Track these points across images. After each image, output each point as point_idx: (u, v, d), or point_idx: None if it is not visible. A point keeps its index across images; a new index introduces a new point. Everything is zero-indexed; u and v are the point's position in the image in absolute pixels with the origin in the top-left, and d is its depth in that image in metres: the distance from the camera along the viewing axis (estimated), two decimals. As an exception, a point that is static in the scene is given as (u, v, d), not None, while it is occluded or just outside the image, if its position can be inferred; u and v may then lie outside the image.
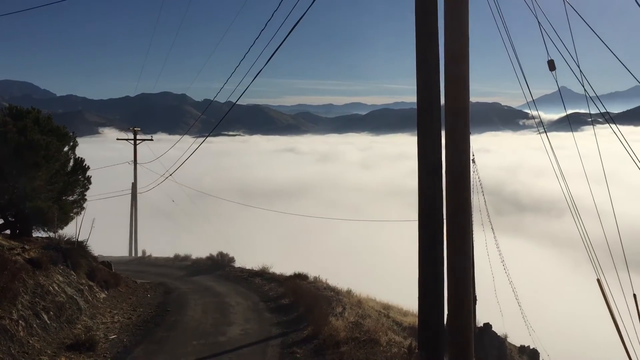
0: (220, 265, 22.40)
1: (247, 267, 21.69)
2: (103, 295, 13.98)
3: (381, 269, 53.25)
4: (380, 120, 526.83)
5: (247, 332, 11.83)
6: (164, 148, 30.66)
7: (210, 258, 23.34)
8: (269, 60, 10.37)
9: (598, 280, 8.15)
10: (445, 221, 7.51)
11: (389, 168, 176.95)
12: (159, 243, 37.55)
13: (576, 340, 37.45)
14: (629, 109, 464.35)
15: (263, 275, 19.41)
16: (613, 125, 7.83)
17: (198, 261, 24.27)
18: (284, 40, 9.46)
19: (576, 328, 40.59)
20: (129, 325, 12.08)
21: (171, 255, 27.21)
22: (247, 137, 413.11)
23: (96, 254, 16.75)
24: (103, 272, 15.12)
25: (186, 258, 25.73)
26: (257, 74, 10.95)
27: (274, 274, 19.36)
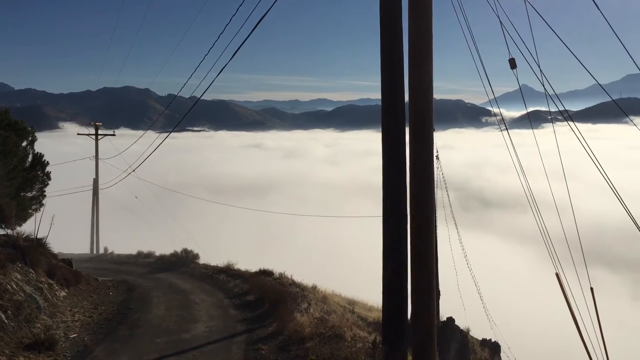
0: (184, 262, 22.17)
1: (212, 264, 21.54)
2: (63, 293, 13.66)
3: (347, 264, 53.61)
4: (346, 117, 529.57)
5: (211, 329, 11.75)
6: (127, 143, 30.13)
7: (174, 255, 23.07)
8: (233, 55, 10.27)
9: (557, 275, 8.36)
10: (409, 217, 7.58)
11: (355, 164, 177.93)
12: (121, 240, 36.99)
13: (536, 333, 38.44)
14: (587, 107, 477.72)
15: (228, 272, 19.29)
16: (571, 123, 8.02)
17: (162, 258, 23.96)
18: (249, 35, 9.38)
19: (537, 322, 41.64)
20: (90, 323, 11.85)
21: (134, 252, 26.81)
22: (212, 133, 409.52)
23: (56, 252, 16.39)
24: (63, 270, 14.78)
25: (149, 255, 25.37)
26: (222, 69, 10.83)
27: (239, 271, 19.26)
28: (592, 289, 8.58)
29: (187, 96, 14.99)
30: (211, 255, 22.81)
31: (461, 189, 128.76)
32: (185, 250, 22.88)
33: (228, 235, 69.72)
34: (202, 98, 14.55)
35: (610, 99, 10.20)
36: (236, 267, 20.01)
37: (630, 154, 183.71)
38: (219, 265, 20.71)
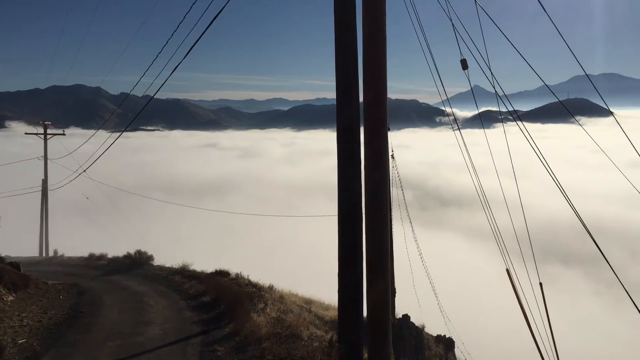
0: (138, 264, 21.74)
1: (167, 265, 21.21)
2: (10, 298, 13.20)
3: (305, 263, 53.68)
4: (302, 116, 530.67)
5: (166, 332, 11.56)
6: (77, 143, 29.33)
7: (128, 257, 22.59)
8: (187, 53, 10.13)
9: (507, 270, 8.59)
10: (364, 215, 7.65)
11: (313, 164, 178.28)
12: (72, 242, 36.00)
13: (489, 328, 39.40)
14: (537, 107, 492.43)
15: (183, 273, 19.04)
16: (520, 123, 8.25)
17: (115, 260, 23.43)
18: (203, 33, 9.27)
19: (490, 317, 42.69)
20: (40, 328, 11.49)
21: (85, 254, 26.13)
22: (166, 132, 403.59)
23: (3, 255, 15.85)
24: (10, 274, 14.27)
25: (102, 257, 24.77)
26: (176, 67, 10.69)
27: (194, 272, 19.04)
28: (540, 284, 8.83)
29: (141, 95, 14.68)
30: (167, 257, 22.47)
31: (418, 188, 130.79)
32: (139, 252, 22.44)
33: (185, 237, 68.86)
34: (155, 97, 14.30)
35: (557, 100, 10.51)
36: (192, 268, 19.77)
37: (578, 153, 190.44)
38: (174, 267, 20.42)
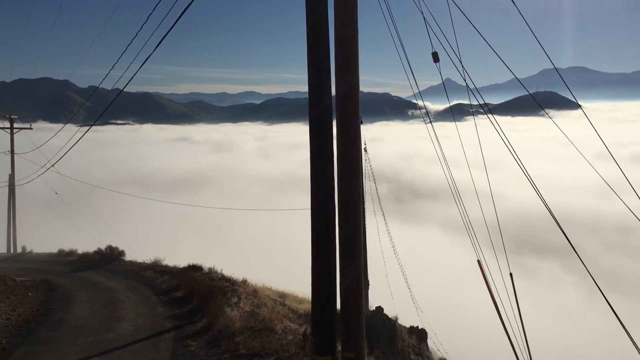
0: (109, 259, 21.43)
1: (139, 261, 20.96)
2: (-24, 296, 12.90)
3: (279, 257, 53.64)
4: (274, 110, 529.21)
5: (138, 327, 11.43)
6: (45, 137, 28.73)
7: (99, 252, 22.24)
8: (157, 45, 9.99)
9: (478, 261, 8.70)
10: (337, 209, 7.66)
11: (286, 157, 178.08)
12: (41, 238, 35.37)
13: (462, 318, 39.94)
14: (507, 100, 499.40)
15: (155, 268, 18.83)
16: (491, 116, 8.34)
17: (85, 256, 23.03)
18: (173, 25, 9.14)
19: (463, 307, 43.23)
20: (8, 326, 11.25)
21: (55, 250, 25.65)
22: (137, 126, 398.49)
23: (-32, 252, 15.46)
24: (-24, 271, 13.93)
25: (72, 253, 24.34)
26: (146, 60, 10.52)
27: (167, 267, 18.85)
28: (511, 274, 8.95)
29: (110, 88, 14.44)
30: (140, 253, 22.22)
31: (393, 180, 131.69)
32: (109, 248, 22.11)
33: (158, 232, 68.19)
34: (126, 90, 14.08)
35: (527, 93, 10.66)
36: (164, 263, 19.59)
37: (548, 145, 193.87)
38: (146, 262, 20.20)
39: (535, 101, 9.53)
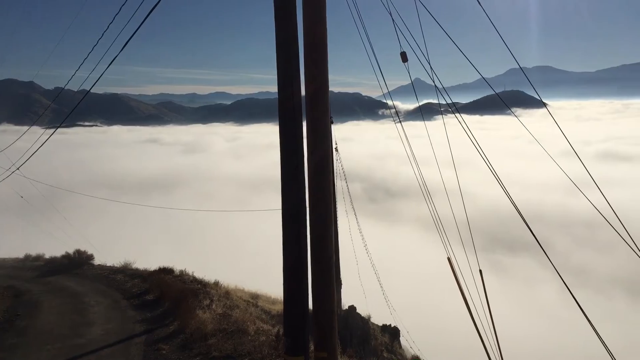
0: (77, 263, 21.01)
1: (108, 265, 20.62)
2: (-61, 303, 12.53)
3: (252, 258, 53.47)
4: (245, 110, 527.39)
5: (108, 332, 11.26)
6: (10, 140, 28.04)
7: (67, 257, 21.78)
8: (124, 46, 9.85)
9: (448, 259, 8.81)
10: (307, 208, 7.67)
11: (259, 158, 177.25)
12: (6, 243, 34.53)
13: (434, 316, 40.38)
14: (475, 99, 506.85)
15: (125, 271, 18.55)
16: (458, 115, 8.45)
17: (52, 261, 22.53)
18: (140, 25, 9.02)
19: (435, 305, 43.68)
20: (-28, 334, 10.97)
21: (21, 255, 25.06)
22: (105, 128, 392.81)
23: None
24: (-62, 278, 13.53)
25: (39, 258, 23.80)
26: (112, 60, 10.35)
27: (137, 270, 18.59)
28: (480, 271, 9.08)
29: (76, 89, 14.16)
30: (109, 256, 21.84)
31: (366, 180, 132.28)
32: (78, 252, 21.66)
33: (129, 235, 67.25)
34: (93, 91, 13.83)
35: (495, 92, 10.82)
36: (134, 266, 19.31)
37: (516, 143, 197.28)
38: (116, 266, 19.88)
39: (501, 100, 9.69)
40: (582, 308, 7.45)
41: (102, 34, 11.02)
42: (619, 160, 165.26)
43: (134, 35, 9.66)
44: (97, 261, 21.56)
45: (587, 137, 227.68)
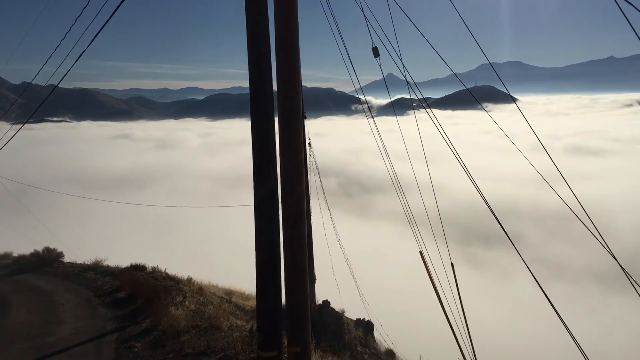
0: (47, 261, 20.63)
1: (79, 262, 20.30)
2: None
3: (226, 254, 53.21)
4: (218, 105, 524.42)
5: (79, 330, 11.10)
6: (-24, 136, 27.37)
7: (35, 255, 21.37)
8: (92, 39, 9.68)
9: (420, 253, 8.90)
10: (280, 203, 7.66)
11: (234, 153, 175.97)
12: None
13: (408, 309, 40.74)
14: (447, 94, 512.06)
15: (96, 269, 18.29)
16: (430, 111, 8.53)
17: (20, 259, 22.09)
18: (109, 18, 8.88)
19: (408, 298, 44.05)
20: (-64, 335, 10.70)
21: (-14, 254, 24.51)
22: (75, 124, 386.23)
23: None
24: None
25: (6, 256, 23.30)
26: (80, 54, 10.18)
27: (108, 267, 18.35)
28: (452, 264, 9.20)
29: (44, 84, 13.87)
30: (80, 254, 21.51)
31: (341, 175, 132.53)
32: (47, 249, 21.27)
33: (100, 232, 66.26)
34: (62, 86, 13.58)
35: (466, 87, 10.95)
36: (106, 263, 19.07)
37: (487, 138, 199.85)
38: (87, 263, 19.59)
39: (472, 96, 9.81)
40: (551, 301, 7.62)
41: (70, 28, 10.84)
42: (589, 155, 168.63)
43: (103, 29, 9.52)
44: (67, 259, 21.21)
45: (557, 131, 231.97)
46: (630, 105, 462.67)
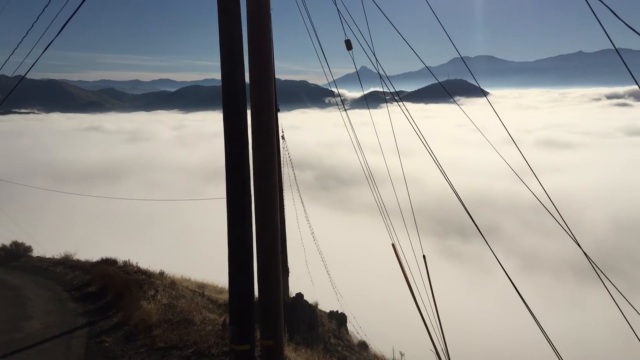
0: (15, 256, 20.20)
1: (48, 257, 19.93)
2: None
3: (200, 247, 52.88)
4: (190, 97, 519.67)
5: (48, 326, 10.94)
6: (-61, 128, 26.68)
7: (3, 249, 20.88)
8: (61, 29, 9.47)
9: (393, 245, 8.97)
10: (252, 196, 7.63)
11: (208, 146, 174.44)
12: None
13: (382, 301, 41.07)
14: (420, 87, 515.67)
15: (66, 263, 17.98)
16: (402, 104, 8.57)
17: (-13, 254, 21.60)
18: (78, 8, 8.70)
19: (382, 290, 44.38)
20: None
21: (-48, 249, 23.87)
22: (43, 115, 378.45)
23: None
24: None
25: (-28, 251, 22.76)
26: (48, 45, 9.95)
27: (78, 262, 18.05)
28: (424, 256, 9.29)
29: (11, 74, 13.56)
30: (50, 248, 21.08)
31: (317, 168, 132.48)
32: (15, 243, 20.81)
33: (71, 226, 65.17)
34: (29, 77, 13.29)
35: (438, 81, 11.02)
36: (76, 257, 18.75)
37: (461, 131, 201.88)
38: (56, 257, 19.23)
39: (444, 89, 9.90)
40: (521, 294, 7.72)
41: (38, 17, 10.59)
42: (559, 148, 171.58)
43: (72, 19, 9.32)
44: (36, 253, 20.81)
45: (528, 125, 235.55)
46: (599, 99, 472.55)
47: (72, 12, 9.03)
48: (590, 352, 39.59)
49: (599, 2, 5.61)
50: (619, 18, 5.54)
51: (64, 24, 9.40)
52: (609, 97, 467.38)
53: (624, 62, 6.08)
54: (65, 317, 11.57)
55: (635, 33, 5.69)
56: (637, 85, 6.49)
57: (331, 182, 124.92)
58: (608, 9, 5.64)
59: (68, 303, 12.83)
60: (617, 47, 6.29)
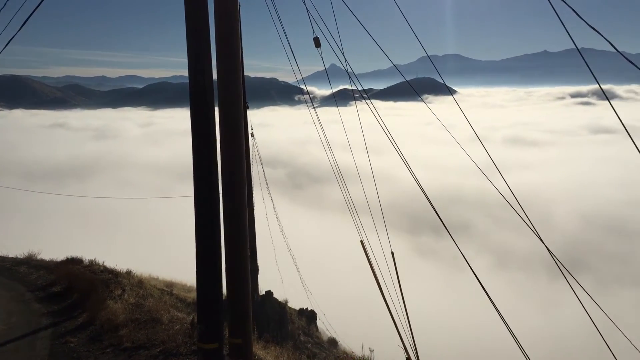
0: (-25, 256, 19.65)
1: (10, 256, 19.45)
2: None
3: (168, 246, 52.34)
4: (158, 94, 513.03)
5: (11, 327, 10.69)
6: None
7: (-37, 249, 20.31)
8: (23, 24, 9.27)
9: (361, 242, 9.02)
10: (221, 195, 7.59)
11: (177, 144, 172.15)
12: None
13: (352, 298, 41.25)
14: (389, 85, 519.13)
15: (30, 263, 17.56)
16: (369, 102, 8.63)
17: (-53, 253, 20.94)
18: (41, 1, 8.53)
19: (352, 288, 44.58)
20: None
21: None
22: (6, 112, 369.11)
23: None
24: None
25: None
26: (10, 40, 9.72)
27: (42, 261, 17.65)
28: (392, 252, 9.35)
29: (-29, 70, 13.17)
30: (13, 247, 20.55)
31: (289, 165, 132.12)
32: (-25, 244, 20.25)
33: (36, 225, 63.82)
34: (-10, 72, 12.89)
35: (407, 79, 11.12)
36: (40, 257, 18.33)
37: (429, 129, 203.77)
38: (19, 257, 18.78)
39: (412, 88, 10.00)
40: (488, 292, 7.84)
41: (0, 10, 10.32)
42: (526, 145, 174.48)
43: (35, 13, 9.13)
44: (-1, 253, 20.27)
45: (495, 123, 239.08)
46: (563, 98, 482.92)
47: (36, 6, 8.84)
48: (564, 346, 40.38)
49: (563, 2, 5.74)
50: (581, 18, 5.67)
51: (27, 17, 9.20)
52: (573, 95, 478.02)
53: (585, 62, 6.24)
54: (29, 317, 11.33)
55: (597, 33, 5.86)
56: (598, 85, 6.68)
57: (303, 179, 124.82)
58: (572, 10, 5.77)
59: (32, 303, 12.55)
60: (580, 47, 6.44)
